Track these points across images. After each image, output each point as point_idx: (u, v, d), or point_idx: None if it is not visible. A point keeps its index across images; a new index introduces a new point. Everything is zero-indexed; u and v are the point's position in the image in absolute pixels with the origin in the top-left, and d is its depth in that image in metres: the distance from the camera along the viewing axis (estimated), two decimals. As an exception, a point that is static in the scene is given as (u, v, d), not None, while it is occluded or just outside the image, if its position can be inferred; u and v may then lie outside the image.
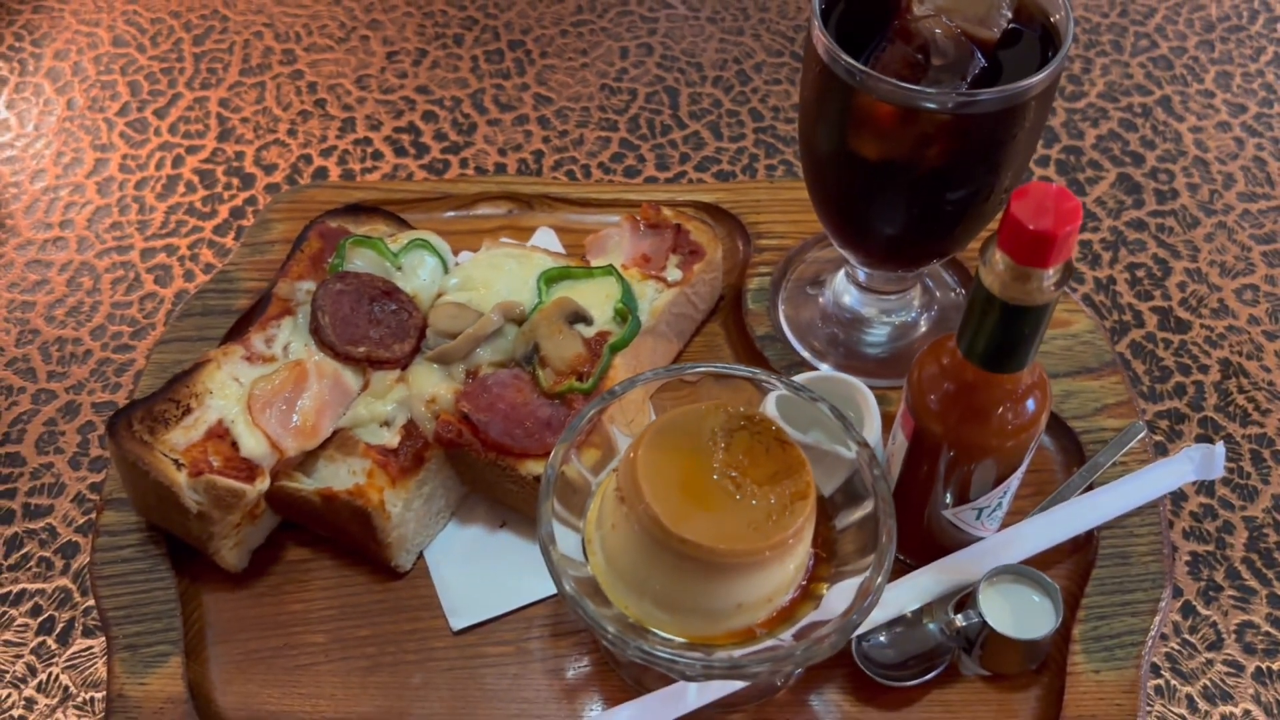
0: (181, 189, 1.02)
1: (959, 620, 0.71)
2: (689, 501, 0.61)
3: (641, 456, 0.62)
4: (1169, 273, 0.96)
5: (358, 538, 0.76)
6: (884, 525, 0.64)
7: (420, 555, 0.79)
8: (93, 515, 0.82)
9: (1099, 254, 0.97)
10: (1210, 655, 0.77)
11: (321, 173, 1.03)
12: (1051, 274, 0.58)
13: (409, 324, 0.81)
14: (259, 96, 1.09)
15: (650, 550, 0.62)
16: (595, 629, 0.62)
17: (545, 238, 0.93)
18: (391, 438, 0.77)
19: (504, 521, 0.80)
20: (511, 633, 0.75)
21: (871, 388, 0.79)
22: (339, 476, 0.76)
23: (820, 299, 0.89)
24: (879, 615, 0.72)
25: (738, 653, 0.63)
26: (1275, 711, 0.75)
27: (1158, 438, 0.87)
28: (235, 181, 1.02)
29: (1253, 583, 0.80)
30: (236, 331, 0.86)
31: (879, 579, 0.62)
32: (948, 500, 0.71)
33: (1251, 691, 0.75)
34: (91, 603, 0.78)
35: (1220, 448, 0.76)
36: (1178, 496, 0.84)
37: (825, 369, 0.85)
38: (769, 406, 0.69)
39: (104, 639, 0.75)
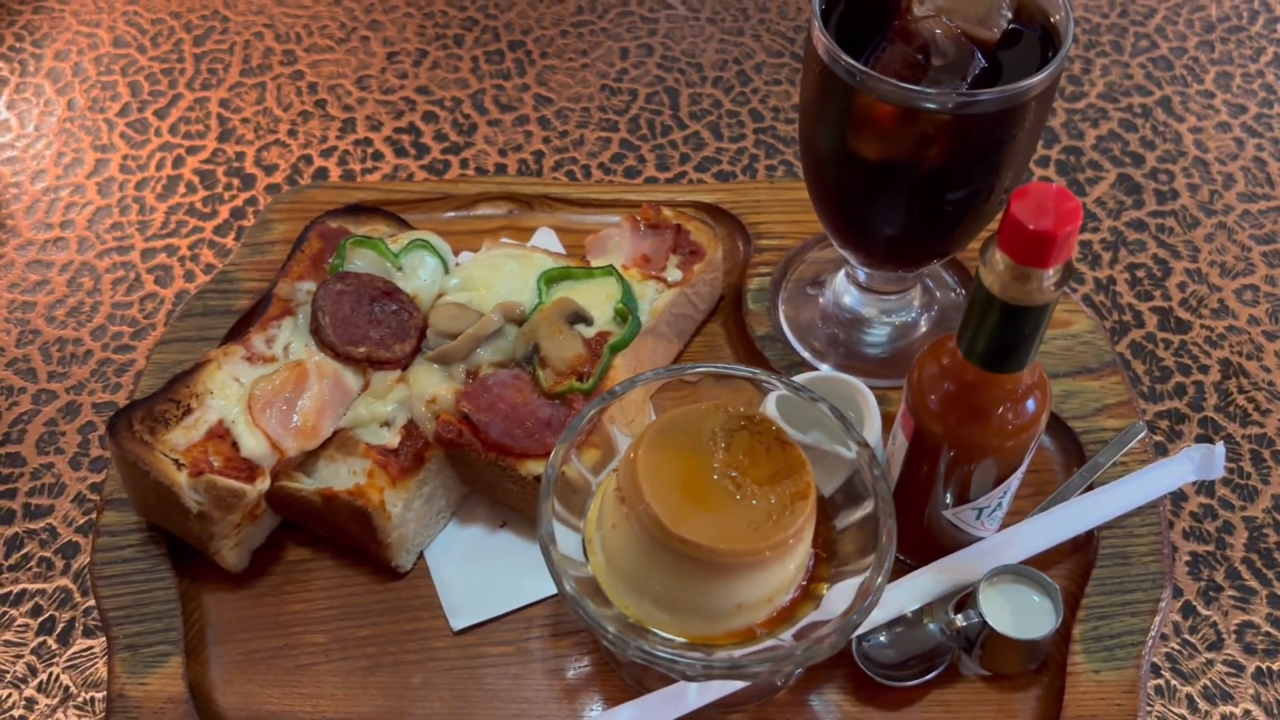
0: (182, 189, 1.02)
1: (959, 620, 0.71)
2: (689, 501, 0.61)
3: (642, 456, 0.62)
4: (1169, 273, 0.96)
5: (358, 538, 0.76)
6: (884, 525, 0.64)
7: (420, 555, 0.79)
8: (93, 515, 0.82)
9: (1099, 254, 0.97)
10: (1210, 655, 0.77)
11: (322, 173, 1.04)
12: (1051, 274, 0.58)
13: (409, 324, 0.81)
14: (259, 97, 1.09)
15: (650, 550, 0.62)
16: (595, 629, 0.62)
17: (545, 238, 0.93)
18: (392, 438, 0.77)
19: (504, 521, 0.81)
20: (512, 633, 0.76)
21: (872, 388, 0.79)
22: (339, 477, 0.76)
23: (820, 299, 0.89)
24: (879, 615, 0.72)
25: (738, 653, 0.63)
26: (1275, 712, 0.75)
27: (1158, 438, 0.87)
28: (236, 182, 1.02)
29: (1253, 583, 0.80)
30: (237, 332, 0.86)
31: (879, 579, 0.62)
32: (948, 500, 0.71)
33: (1252, 692, 0.75)
34: (92, 603, 0.78)
35: (1220, 448, 0.76)
36: (1178, 497, 0.84)
37: (825, 369, 0.85)
38: (769, 407, 0.69)
39: (104, 639, 0.75)
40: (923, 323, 0.88)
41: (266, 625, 0.76)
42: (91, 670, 0.76)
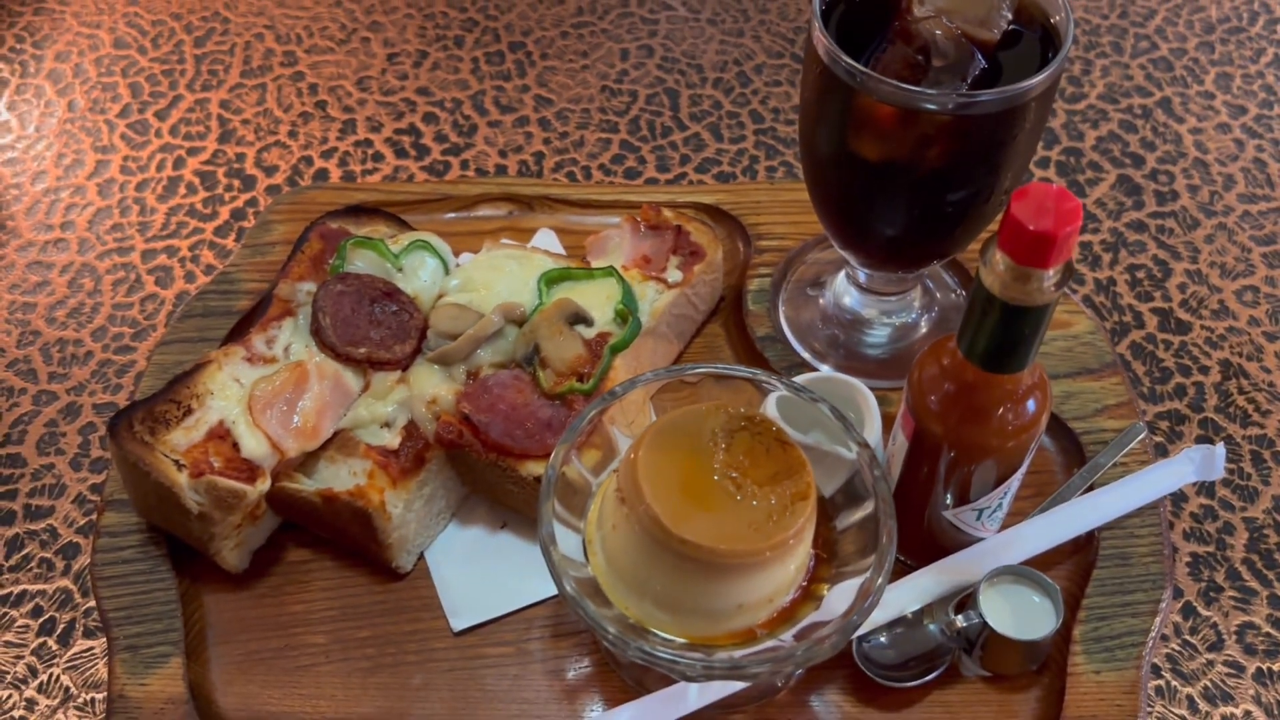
0: (182, 190, 1.02)
1: (959, 621, 0.71)
2: (689, 502, 0.61)
3: (642, 457, 0.62)
4: (1169, 274, 0.96)
5: (358, 539, 0.76)
6: (884, 526, 0.64)
7: (421, 556, 0.79)
8: (93, 516, 0.82)
9: (1099, 255, 0.97)
10: (1211, 656, 0.77)
11: (322, 174, 1.04)
12: (1052, 274, 0.58)
13: (410, 325, 0.81)
14: (260, 98, 1.09)
15: (651, 551, 0.62)
16: (596, 630, 0.62)
17: (546, 239, 0.93)
18: (392, 439, 0.77)
19: (505, 522, 0.80)
20: (512, 634, 0.76)
21: (872, 389, 0.79)
22: (340, 477, 0.76)
23: (821, 300, 0.89)
24: (879, 616, 0.72)
25: (738, 653, 0.63)
26: (1276, 712, 0.75)
27: (1158, 439, 0.87)
28: (236, 183, 1.03)
29: (1253, 584, 0.80)
30: (237, 332, 0.86)
31: (879, 580, 0.62)
32: (948, 501, 0.71)
33: (1252, 692, 0.75)
34: (92, 604, 0.78)
35: (1220, 449, 0.76)
36: (1178, 497, 0.84)
37: (826, 370, 0.85)
38: (769, 407, 0.69)
39: (105, 640, 0.75)
40: (923, 323, 0.88)
41: (267, 626, 0.76)
42: (92, 671, 0.76)
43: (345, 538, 0.78)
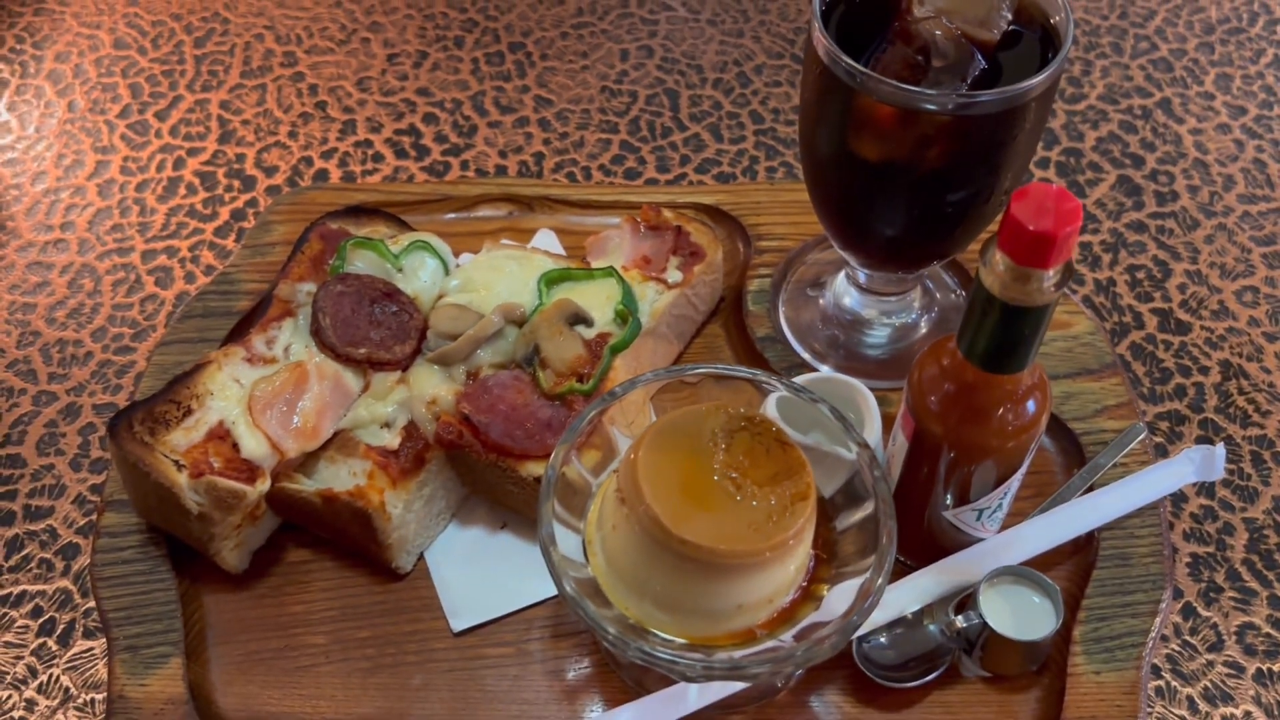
0: (182, 191, 1.02)
1: (959, 621, 0.71)
2: (689, 502, 0.61)
3: (642, 458, 0.62)
4: (1169, 274, 0.96)
5: (358, 539, 0.76)
6: (884, 526, 0.64)
7: (421, 557, 0.79)
8: (93, 517, 0.82)
9: (1099, 256, 0.97)
10: (1211, 656, 0.77)
11: (322, 175, 1.04)
12: (1051, 275, 0.58)
13: (410, 325, 0.81)
14: (260, 99, 1.09)
15: (651, 551, 0.62)
16: (596, 630, 0.62)
17: (546, 239, 0.93)
18: (392, 439, 0.77)
19: (504, 523, 0.80)
20: (512, 634, 0.75)
21: (872, 389, 0.79)
22: (340, 478, 0.76)
23: (820, 300, 0.89)
24: (879, 616, 0.72)
25: (738, 654, 0.63)
26: (1276, 713, 0.75)
27: (1158, 439, 0.87)
28: (236, 183, 1.03)
29: (1253, 584, 0.80)
30: (237, 333, 0.86)
31: (879, 580, 0.62)
32: (948, 501, 0.71)
33: (1252, 693, 0.75)
34: (92, 604, 0.78)
35: (1220, 449, 0.76)
36: (1178, 498, 0.84)
37: (825, 370, 0.85)
38: (769, 408, 0.69)
39: (104, 640, 0.75)
40: (923, 324, 0.88)
41: (267, 626, 0.76)
42: (92, 671, 0.76)
43: (345, 538, 0.78)
